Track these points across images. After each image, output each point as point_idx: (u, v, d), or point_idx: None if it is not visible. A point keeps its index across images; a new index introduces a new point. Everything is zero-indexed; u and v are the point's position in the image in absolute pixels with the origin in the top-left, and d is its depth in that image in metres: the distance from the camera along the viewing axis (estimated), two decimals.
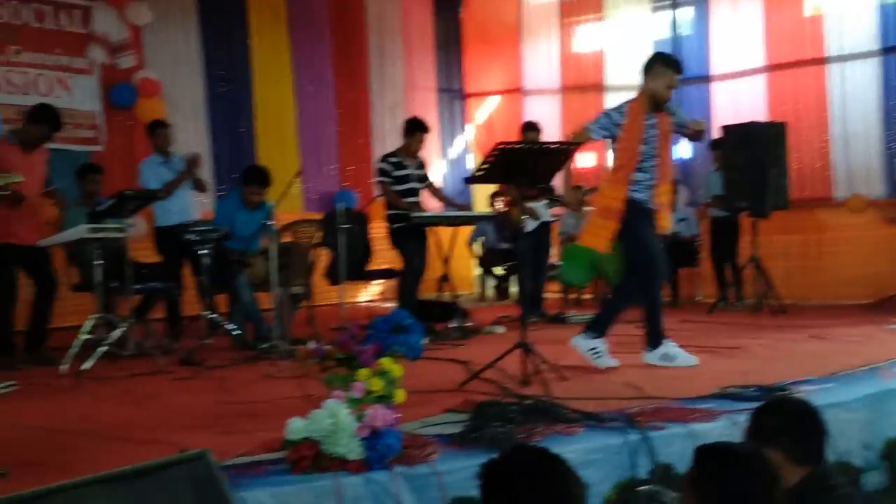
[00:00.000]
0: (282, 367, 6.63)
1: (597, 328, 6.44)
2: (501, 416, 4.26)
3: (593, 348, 6.34)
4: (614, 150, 6.44)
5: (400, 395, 3.82)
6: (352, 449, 3.50)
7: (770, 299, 9.74)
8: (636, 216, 6.31)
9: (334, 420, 3.51)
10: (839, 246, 11.40)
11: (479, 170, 5.73)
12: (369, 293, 10.60)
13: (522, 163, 5.58)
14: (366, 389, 3.70)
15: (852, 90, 11.36)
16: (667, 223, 6.58)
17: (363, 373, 3.76)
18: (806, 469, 2.99)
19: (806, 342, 7.47)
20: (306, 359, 4.02)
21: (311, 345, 7.30)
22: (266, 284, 7.80)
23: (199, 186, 8.91)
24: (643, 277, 6.43)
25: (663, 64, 6.39)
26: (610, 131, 6.37)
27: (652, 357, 6.41)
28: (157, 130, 8.94)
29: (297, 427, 3.54)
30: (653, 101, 6.37)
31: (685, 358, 6.36)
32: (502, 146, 5.48)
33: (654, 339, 6.46)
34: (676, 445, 4.17)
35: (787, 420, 3.23)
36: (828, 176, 11.51)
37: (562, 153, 5.80)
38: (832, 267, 11.35)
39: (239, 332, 7.86)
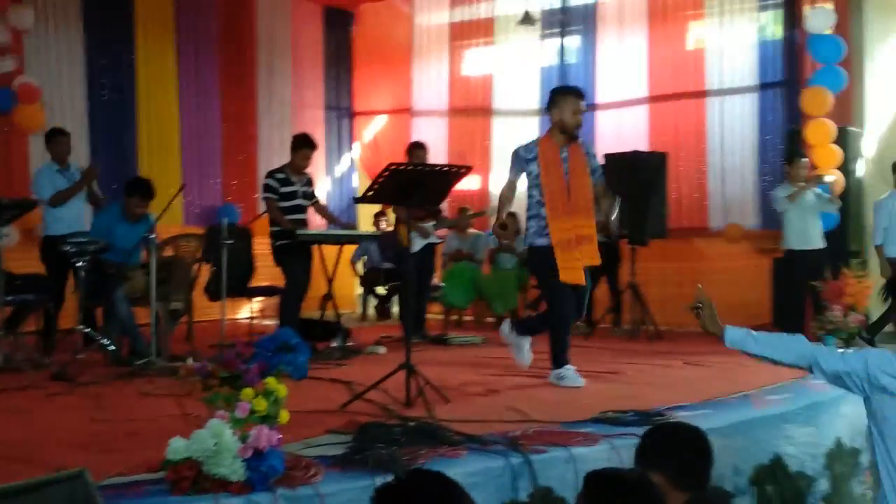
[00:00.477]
0: (159, 384, 6.48)
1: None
2: (385, 437, 4.25)
3: (561, 376, 6.51)
4: (535, 186, 6.62)
5: (284, 416, 3.76)
6: (234, 470, 3.44)
7: (647, 325, 9.96)
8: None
9: (217, 440, 3.44)
10: (714, 275, 11.67)
11: (369, 189, 5.73)
12: (250, 310, 10.45)
13: (413, 184, 5.59)
14: (250, 409, 3.64)
15: (730, 123, 11.73)
16: (593, 257, 6.61)
17: (247, 392, 3.70)
18: (688, 494, 3.06)
19: (681, 368, 7.66)
20: (189, 376, 3.91)
21: (191, 362, 7.23)
22: (144, 299, 7.64)
23: (94, 199, 8.74)
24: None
25: (563, 93, 6.61)
26: (522, 168, 6.65)
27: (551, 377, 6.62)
28: (56, 138, 8.78)
29: (178, 447, 3.46)
30: (562, 133, 6.51)
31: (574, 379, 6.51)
32: (393, 167, 5.49)
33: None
34: (557, 469, 4.23)
35: (676, 445, 3.30)
36: (705, 206, 11.84)
37: (451, 175, 5.84)
38: (706, 294, 11.61)
39: (114, 347, 7.66)
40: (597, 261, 6.66)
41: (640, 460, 3.31)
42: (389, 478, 3.73)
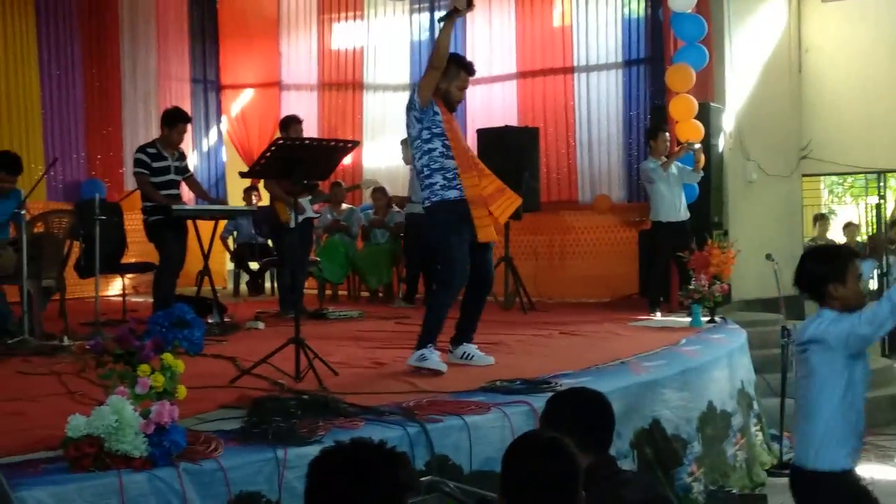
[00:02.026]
0: (35, 363, 6.34)
1: (423, 340, 6.12)
2: (281, 411, 4.28)
3: (422, 356, 6.01)
4: (438, 136, 6.20)
5: (182, 391, 3.75)
6: (136, 446, 3.42)
7: (520, 297, 10.16)
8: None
9: (118, 416, 3.41)
10: (582, 247, 12.02)
11: (256, 163, 5.70)
12: (122, 287, 10.23)
13: (300, 159, 5.59)
14: (149, 385, 3.61)
15: (596, 99, 12.00)
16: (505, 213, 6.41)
17: (144, 369, 3.67)
18: (592, 457, 3.18)
19: (558, 338, 7.86)
20: (83, 354, 3.86)
21: (65, 340, 7.09)
22: (14, 276, 7.42)
23: None
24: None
25: (457, 65, 6.37)
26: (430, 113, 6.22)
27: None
28: None
29: (78, 423, 3.42)
30: (446, 102, 6.30)
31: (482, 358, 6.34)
32: (282, 141, 5.48)
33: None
34: (452, 437, 4.34)
35: (581, 408, 3.42)
36: (574, 180, 12.10)
37: (339, 150, 5.86)
38: (575, 267, 11.94)
39: None
40: (504, 219, 6.47)
41: (546, 425, 3.42)
42: (289, 450, 3.79)
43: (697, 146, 9.62)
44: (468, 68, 6.42)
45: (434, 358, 5.97)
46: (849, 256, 4.11)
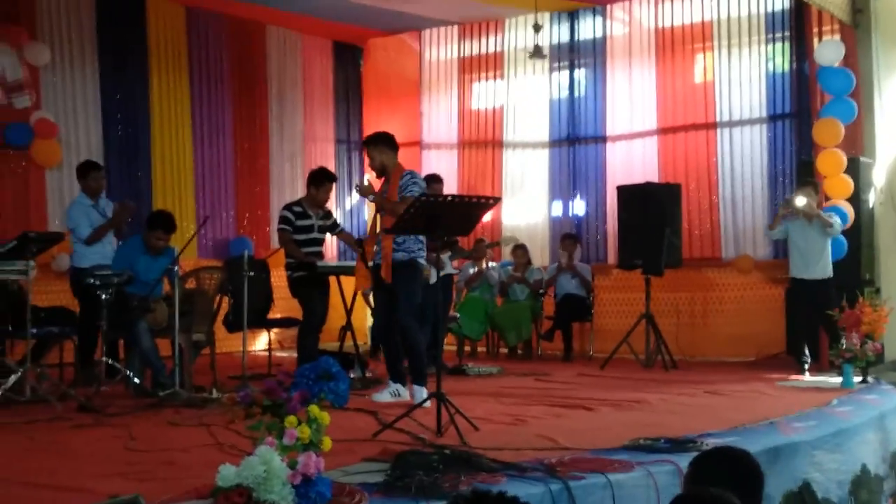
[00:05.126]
0: (185, 414, 6.54)
1: (412, 377, 7.24)
2: (423, 465, 4.30)
3: (395, 391, 7.32)
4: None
5: (327, 443, 3.81)
6: (284, 496, 3.48)
7: (662, 354, 10.00)
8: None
9: (267, 467, 3.48)
10: (725, 305, 11.76)
11: (400, 219, 5.80)
12: (267, 341, 10.49)
13: (442, 215, 5.66)
14: (296, 437, 3.68)
15: (740, 154, 11.81)
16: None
17: (291, 420, 3.74)
18: None
19: (702, 397, 7.70)
20: (232, 405, 3.96)
21: (214, 393, 7.31)
22: (166, 330, 7.69)
23: (122, 235, 8.89)
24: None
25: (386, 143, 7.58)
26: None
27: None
28: (91, 173, 8.93)
29: (228, 473, 3.50)
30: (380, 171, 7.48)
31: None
32: (424, 198, 5.56)
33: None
34: (596, 495, 4.28)
35: (728, 468, 3.34)
36: (717, 236, 11.89)
37: (480, 206, 5.92)
38: (718, 325, 11.69)
39: (137, 379, 7.71)
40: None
41: (692, 485, 3.35)
42: None
43: (800, 203, 9.36)
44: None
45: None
46: None
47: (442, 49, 14.28)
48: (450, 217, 5.79)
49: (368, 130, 14.62)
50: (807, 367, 9.24)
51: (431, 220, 5.70)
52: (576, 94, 13.24)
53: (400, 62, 14.65)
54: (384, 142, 7.50)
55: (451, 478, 4.13)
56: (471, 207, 5.90)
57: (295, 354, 8.86)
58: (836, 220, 9.43)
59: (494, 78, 13.86)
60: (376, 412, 6.32)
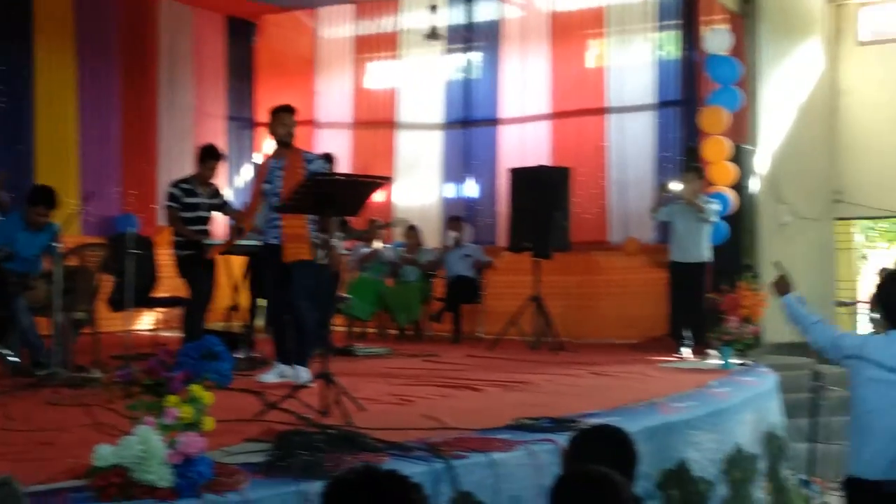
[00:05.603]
0: (65, 394, 6.39)
1: (296, 358, 7.19)
2: (306, 445, 4.29)
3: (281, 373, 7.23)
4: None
5: (209, 423, 3.77)
6: (162, 476, 3.44)
7: (549, 336, 10.13)
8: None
9: (145, 446, 3.43)
10: (612, 288, 11.96)
11: (290, 198, 5.74)
12: (150, 321, 10.30)
13: (333, 194, 5.63)
14: (177, 416, 3.63)
15: (629, 140, 12.01)
16: (301, 253, 7.13)
17: (172, 399, 3.69)
18: None
19: (587, 378, 7.83)
20: (111, 385, 3.89)
21: (95, 372, 7.15)
22: (46, 309, 7.49)
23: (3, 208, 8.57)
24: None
25: (274, 110, 7.43)
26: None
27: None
28: None
29: (105, 453, 3.45)
30: (277, 144, 7.32)
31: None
32: (316, 177, 5.52)
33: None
34: (478, 474, 4.32)
35: (603, 446, 3.41)
36: (604, 220, 12.09)
37: (370, 186, 5.90)
38: (605, 307, 11.89)
39: (16, 358, 7.49)
40: (309, 256, 7.24)
41: (569, 461, 3.42)
42: (314, 484, 3.79)
43: (675, 188, 9.57)
44: (288, 109, 7.43)
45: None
46: None
47: (337, 27, 14.21)
48: (339, 197, 5.76)
49: (261, 108, 14.51)
50: (687, 349, 9.44)
51: (321, 200, 5.66)
52: (470, 76, 13.29)
53: (294, 40, 14.51)
54: (294, 113, 7.46)
55: (334, 457, 4.12)
56: (360, 187, 5.89)
57: (181, 334, 8.72)
58: (713, 206, 9.57)
59: (389, 58, 13.82)
60: (261, 393, 6.26)
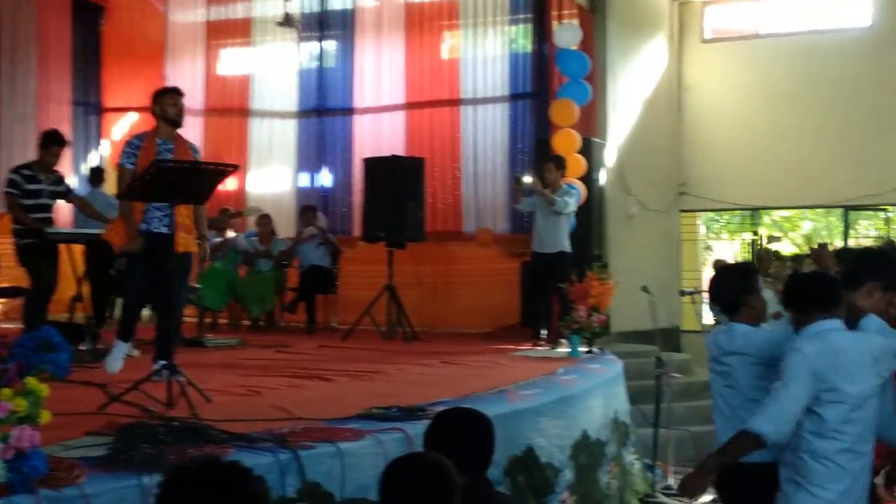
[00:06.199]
0: None
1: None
2: (149, 438, 4.19)
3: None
4: None
5: (45, 417, 3.64)
6: None
7: (402, 326, 10.17)
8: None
9: None
10: (466, 277, 12.07)
11: (133, 186, 5.59)
12: None
13: (179, 181, 5.51)
14: (10, 410, 3.50)
15: (482, 131, 12.15)
16: (189, 244, 6.80)
17: (6, 393, 3.55)
18: (469, 478, 3.22)
19: (438, 367, 7.89)
20: None
21: None
22: None
23: None
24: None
25: (163, 90, 7.06)
26: (133, 158, 6.68)
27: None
28: None
29: None
30: (166, 123, 6.81)
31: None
32: (160, 164, 5.40)
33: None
34: (325, 464, 4.30)
35: (459, 429, 3.46)
36: (459, 211, 12.20)
37: (218, 174, 5.80)
38: (459, 297, 11.99)
39: None
40: (191, 248, 6.91)
41: (427, 444, 3.46)
42: (155, 477, 3.71)
43: (527, 180, 9.69)
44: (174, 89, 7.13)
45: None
46: (755, 271, 4.50)
47: (189, 12, 13.94)
48: (187, 184, 5.64)
49: (109, 94, 14.14)
50: (540, 338, 9.61)
51: (167, 187, 5.54)
52: (325, 65, 13.22)
53: (144, 24, 14.19)
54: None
55: (177, 450, 4.04)
56: (208, 175, 5.78)
57: (22, 326, 8.42)
58: (567, 198, 9.62)
59: (243, 45, 13.63)
60: (105, 385, 6.08)
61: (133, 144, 6.82)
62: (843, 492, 3.80)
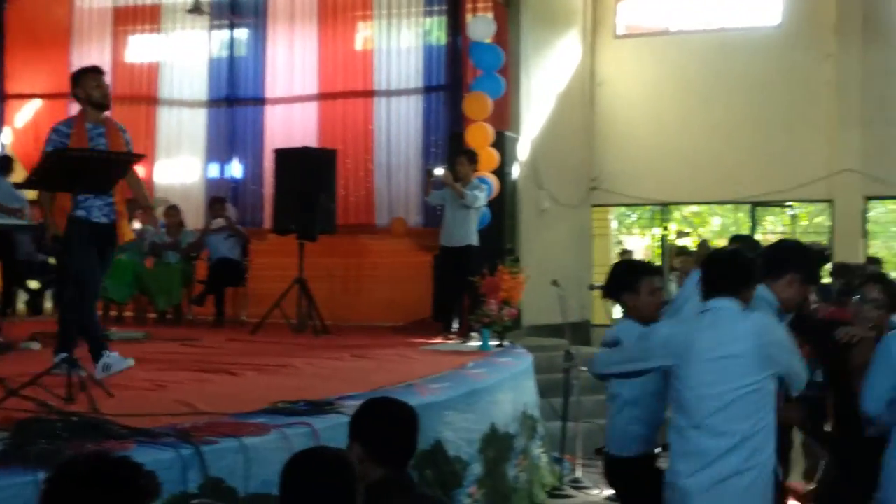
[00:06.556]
0: None
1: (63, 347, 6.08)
2: (47, 433, 4.07)
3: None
4: None
5: None
6: None
7: (312, 320, 10.07)
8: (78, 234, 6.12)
9: None
10: (378, 270, 12.01)
11: (33, 174, 5.41)
12: None
13: (82, 170, 5.34)
14: None
15: (396, 123, 12.09)
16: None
17: None
18: (385, 469, 3.20)
19: (348, 360, 7.81)
20: None
21: None
22: None
23: None
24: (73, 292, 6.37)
25: (83, 71, 6.64)
26: (63, 145, 6.24)
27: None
28: None
29: None
30: (93, 107, 6.46)
31: (120, 362, 6.36)
32: (61, 152, 5.24)
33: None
34: (228, 459, 4.22)
35: (380, 418, 3.43)
36: (371, 203, 12.13)
37: (123, 162, 5.66)
38: (370, 290, 11.92)
39: None
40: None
41: (351, 433, 3.43)
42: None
43: (439, 172, 9.66)
44: (96, 69, 6.71)
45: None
46: (645, 272, 4.47)
47: None
48: (89, 173, 5.48)
49: (12, 80, 13.76)
50: (451, 331, 9.59)
51: (69, 176, 5.37)
52: (236, 53, 13.03)
53: (49, 9, 13.83)
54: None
55: (75, 445, 3.92)
56: (110, 163, 5.63)
57: None
58: (478, 192, 9.56)
59: (151, 31, 13.36)
60: (2, 379, 5.90)
61: (61, 132, 6.39)
62: None
